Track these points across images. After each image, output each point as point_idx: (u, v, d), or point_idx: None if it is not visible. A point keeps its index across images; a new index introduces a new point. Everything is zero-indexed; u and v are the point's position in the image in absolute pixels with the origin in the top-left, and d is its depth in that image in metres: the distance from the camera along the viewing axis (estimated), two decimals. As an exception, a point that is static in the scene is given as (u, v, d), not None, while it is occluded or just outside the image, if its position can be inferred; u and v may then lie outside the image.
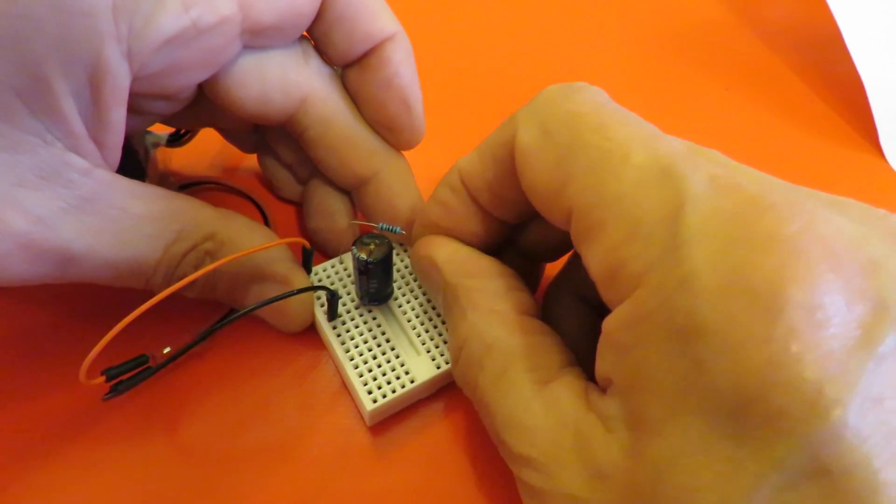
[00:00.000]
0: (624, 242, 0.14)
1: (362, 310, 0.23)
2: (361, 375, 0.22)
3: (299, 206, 0.29)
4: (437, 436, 0.22)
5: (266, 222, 0.28)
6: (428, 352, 0.22)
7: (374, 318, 0.23)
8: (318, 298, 0.23)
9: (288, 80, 0.22)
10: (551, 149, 0.17)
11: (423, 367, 0.22)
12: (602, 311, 0.16)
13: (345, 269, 0.24)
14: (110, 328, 0.18)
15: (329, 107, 0.24)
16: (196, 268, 0.21)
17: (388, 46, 0.23)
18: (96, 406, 0.22)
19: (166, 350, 0.21)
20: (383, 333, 0.23)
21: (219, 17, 0.19)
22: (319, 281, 0.24)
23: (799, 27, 0.38)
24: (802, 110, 0.34)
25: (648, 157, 0.15)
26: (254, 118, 0.23)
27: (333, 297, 0.22)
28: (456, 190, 0.20)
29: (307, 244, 0.22)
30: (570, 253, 0.23)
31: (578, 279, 0.22)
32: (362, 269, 0.21)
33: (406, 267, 0.25)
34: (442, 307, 0.21)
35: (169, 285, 0.20)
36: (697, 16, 0.39)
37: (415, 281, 0.24)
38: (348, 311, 0.23)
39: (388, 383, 0.22)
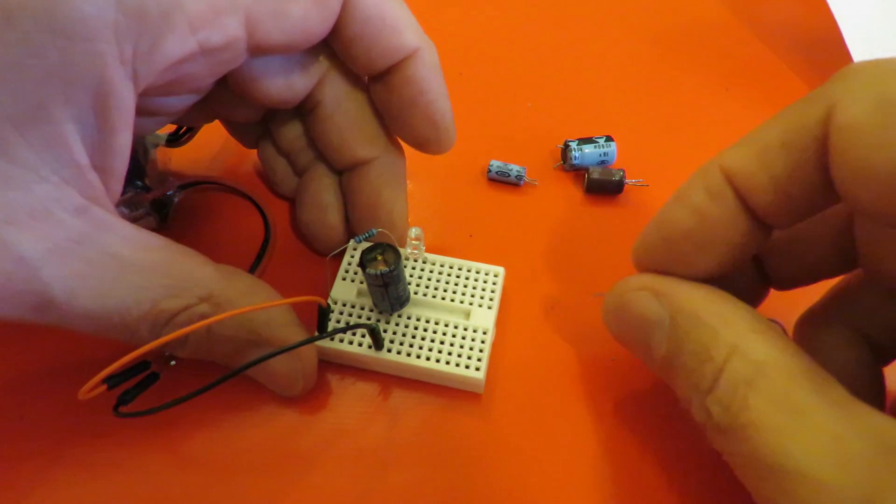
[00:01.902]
0: None
1: (391, 318, 0.23)
2: (448, 363, 0.22)
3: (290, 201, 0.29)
4: (437, 435, 0.22)
5: (266, 222, 0.28)
6: (472, 304, 0.24)
7: (409, 318, 0.23)
8: (343, 340, 0.23)
9: (309, 58, 0.22)
10: None
11: (482, 317, 0.23)
12: (883, 352, 0.15)
13: (344, 305, 0.24)
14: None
15: (345, 84, 0.23)
16: (188, 335, 0.19)
17: (410, 64, 0.22)
18: (96, 413, 0.22)
19: (167, 353, 0.21)
20: (427, 321, 0.23)
21: (225, 38, 0.19)
22: (338, 322, 0.24)
23: (799, 27, 0.38)
24: (802, 110, 0.34)
25: None
26: (275, 104, 0.23)
27: (375, 330, 0.22)
28: (717, 193, 0.17)
29: (323, 302, 0.21)
30: (843, 279, 0.21)
31: (862, 311, 0.20)
32: (387, 281, 0.21)
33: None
34: (667, 342, 0.18)
35: (151, 341, 0.19)
36: (697, 15, 0.39)
37: (416, 262, 0.25)
38: (384, 331, 0.23)
39: (471, 349, 0.23)
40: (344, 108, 0.24)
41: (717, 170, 0.17)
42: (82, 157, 0.17)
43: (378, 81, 0.23)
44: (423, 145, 0.24)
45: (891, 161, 0.13)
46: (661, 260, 0.19)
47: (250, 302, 0.20)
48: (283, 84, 0.22)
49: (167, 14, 0.17)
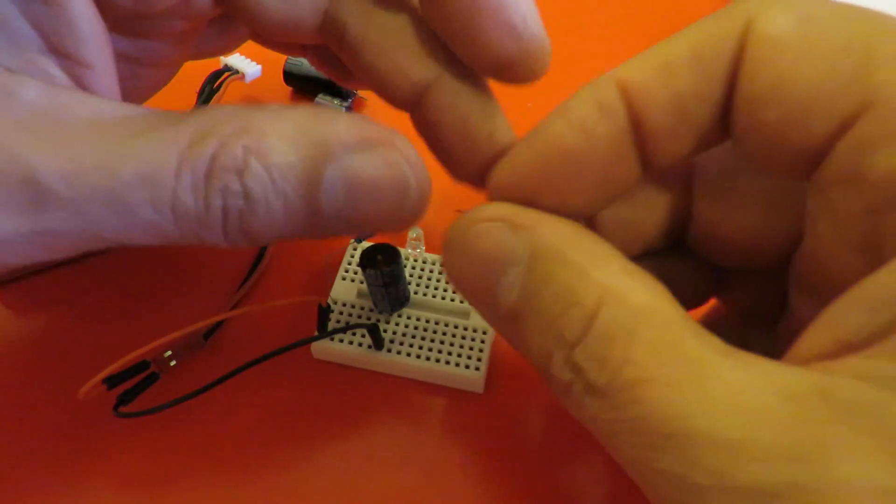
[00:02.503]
0: None
1: (391, 318, 0.23)
2: (448, 363, 0.22)
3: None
4: (437, 435, 0.22)
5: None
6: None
7: (409, 318, 0.23)
8: (342, 341, 0.23)
9: None
10: (829, 35, 0.12)
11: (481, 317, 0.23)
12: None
13: (344, 305, 0.24)
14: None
15: None
16: (241, 177, 0.14)
17: None
18: (96, 413, 0.22)
19: (168, 354, 0.21)
20: (427, 321, 0.23)
21: None
22: (338, 322, 0.24)
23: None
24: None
25: None
26: (285, 34, 0.18)
27: (375, 330, 0.22)
28: (608, 109, 0.14)
29: (323, 302, 0.21)
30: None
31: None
32: (387, 281, 0.22)
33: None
34: (522, 284, 0.14)
35: (208, 208, 0.14)
36: (697, 16, 0.38)
37: (416, 262, 0.24)
38: (384, 332, 0.23)
39: (471, 349, 0.22)
40: (378, 23, 0.18)
41: (611, 83, 0.15)
42: (30, 37, 0.14)
43: None
44: (503, 69, 0.17)
45: (812, 73, 0.12)
46: (529, 183, 0.15)
47: (292, 116, 0.15)
48: (282, 4, 0.17)
49: None
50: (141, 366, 0.20)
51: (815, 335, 0.12)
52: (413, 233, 0.24)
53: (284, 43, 0.22)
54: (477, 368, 0.22)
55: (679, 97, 0.14)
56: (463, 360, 0.22)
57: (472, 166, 0.19)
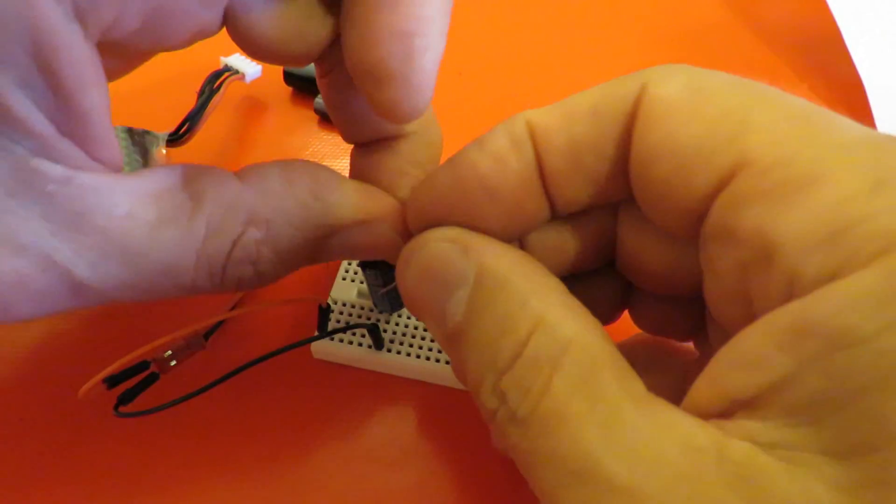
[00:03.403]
0: (862, 194, 0.11)
1: (391, 318, 0.23)
2: (448, 363, 0.22)
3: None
4: (437, 434, 0.22)
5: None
6: None
7: (408, 317, 0.23)
8: (342, 341, 0.23)
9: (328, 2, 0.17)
10: (713, 103, 0.14)
11: None
12: None
13: (345, 305, 0.24)
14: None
15: None
16: (254, 265, 0.17)
17: None
18: (96, 413, 0.22)
19: (167, 354, 0.21)
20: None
21: None
22: (338, 322, 0.24)
23: (799, 27, 0.38)
24: (802, 110, 0.34)
25: (859, 126, 0.13)
26: (287, 60, 0.18)
27: (375, 329, 0.22)
28: (518, 143, 0.15)
29: (323, 302, 0.21)
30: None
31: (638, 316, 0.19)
32: (387, 281, 0.21)
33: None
34: (467, 305, 0.15)
35: (223, 285, 0.17)
36: (697, 16, 0.39)
37: None
38: (384, 332, 0.23)
39: None
40: None
41: (522, 121, 0.15)
42: (43, 125, 0.14)
43: None
44: (376, 84, 0.16)
45: (694, 135, 0.13)
46: (445, 205, 0.16)
47: (293, 198, 0.17)
48: (292, 32, 0.17)
49: None
50: (141, 366, 0.20)
51: (703, 387, 0.13)
52: None
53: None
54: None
55: (575, 145, 0.15)
56: None
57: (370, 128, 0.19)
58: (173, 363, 0.21)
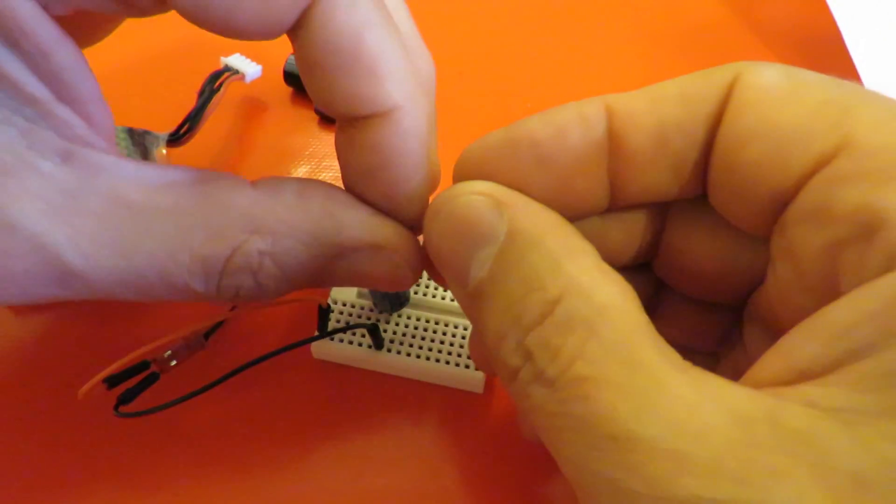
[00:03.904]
0: None
1: (391, 318, 0.23)
2: (448, 363, 0.22)
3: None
4: (437, 434, 0.22)
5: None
6: None
7: (409, 318, 0.23)
8: (342, 340, 0.23)
9: None
10: (813, 92, 0.13)
11: None
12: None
13: (345, 305, 0.24)
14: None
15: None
16: (255, 275, 0.16)
17: (380, 126, 0.16)
18: (96, 413, 0.22)
19: (167, 354, 0.21)
20: (427, 321, 0.23)
21: None
22: (338, 322, 0.24)
23: (799, 27, 0.38)
24: (802, 110, 0.34)
25: None
26: (249, 36, 0.16)
27: (375, 330, 0.22)
28: (589, 120, 0.15)
29: (324, 302, 0.21)
30: None
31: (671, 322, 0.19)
32: None
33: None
34: (494, 261, 0.14)
35: (219, 293, 0.16)
36: (697, 16, 0.39)
37: None
38: (384, 331, 0.23)
39: None
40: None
41: (599, 101, 0.15)
42: (38, 88, 0.14)
43: (342, 123, 0.17)
44: (392, 206, 0.18)
45: (794, 118, 0.13)
46: (492, 166, 0.15)
47: (305, 212, 0.16)
48: (256, 9, 0.15)
49: None
50: (141, 366, 0.20)
51: (771, 361, 0.12)
52: None
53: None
54: (477, 369, 0.22)
55: (662, 124, 0.14)
56: (463, 360, 0.22)
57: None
58: (173, 363, 0.21)
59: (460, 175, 0.16)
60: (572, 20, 0.38)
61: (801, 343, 0.12)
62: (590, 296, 0.13)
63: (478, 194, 0.15)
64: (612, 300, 0.13)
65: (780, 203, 0.14)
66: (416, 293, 0.24)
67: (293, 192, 0.17)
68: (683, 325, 0.18)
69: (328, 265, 0.17)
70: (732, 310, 0.18)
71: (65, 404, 0.22)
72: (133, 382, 0.20)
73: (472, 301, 0.15)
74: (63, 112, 0.15)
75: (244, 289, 0.16)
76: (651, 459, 0.11)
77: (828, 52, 0.35)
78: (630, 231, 0.17)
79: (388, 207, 0.18)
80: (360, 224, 0.17)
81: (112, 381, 0.19)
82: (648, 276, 0.19)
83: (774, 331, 0.14)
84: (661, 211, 0.17)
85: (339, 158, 0.18)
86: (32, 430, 0.22)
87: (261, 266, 0.16)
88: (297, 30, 0.15)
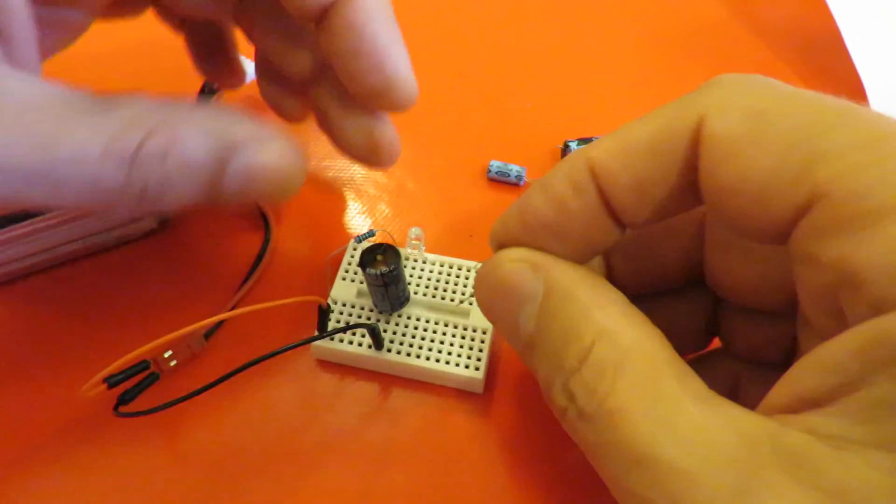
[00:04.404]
0: None
1: (391, 318, 0.23)
2: (448, 363, 0.22)
3: (300, 208, 0.29)
4: (437, 435, 0.22)
5: (266, 223, 0.28)
6: (472, 304, 0.23)
7: (408, 318, 0.23)
8: (342, 340, 0.23)
9: None
10: (776, 133, 0.14)
11: (481, 317, 0.23)
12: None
13: (344, 305, 0.24)
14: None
15: None
16: (162, 164, 0.17)
17: (348, 5, 0.20)
18: (96, 413, 0.22)
19: (168, 354, 0.21)
20: (427, 321, 0.23)
21: None
22: (338, 322, 0.24)
23: (799, 27, 0.38)
24: (802, 110, 0.34)
25: None
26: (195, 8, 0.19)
27: (375, 330, 0.22)
28: (581, 188, 0.16)
29: (324, 302, 0.21)
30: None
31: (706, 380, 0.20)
32: (387, 281, 0.22)
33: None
34: (538, 317, 0.17)
35: (129, 185, 0.16)
36: (697, 16, 0.39)
37: (416, 262, 0.25)
38: (384, 332, 0.23)
39: (471, 349, 0.23)
40: (280, 14, 0.21)
41: (583, 163, 0.16)
42: None
43: (319, 27, 0.21)
44: (378, 99, 0.21)
45: (763, 169, 0.14)
46: (520, 239, 0.18)
47: (208, 111, 0.18)
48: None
49: None
50: (141, 366, 0.20)
51: (780, 390, 0.14)
52: (413, 232, 0.24)
53: (181, 15, 0.24)
54: (477, 369, 0.22)
55: (639, 182, 0.16)
56: (462, 361, 0.23)
57: (368, 82, 0.21)
58: (173, 363, 0.21)
59: (496, 245, 0.18)
60: (572, 20, 0.38)
61: (803, 375, 0.13)
62: (617, 340, 0.15)
63: (516, 261, 0.17)
64: (636, 342, 0.15)
65: (780, 237, 0.14)
66: (415, 293, 0.24)
67: (190, 104, 0.18)
68: (746, 338, 0.20)
69: (227, 158, 0.17)
70: (792, 318, 0.18)
71: (65, 404, 0.22)
72: (133, 382, 0.20)
73: (526, 351, 0.17)
74: None
75: (151, 183, 0.17)
76: (669, 477, 0.13)
77: (828, 52, 0.35)
78: (672, 253, 0.19)
79: (378, 79, 0.20)
80: (249, 121, 0.18)
81: (112, 381, 0.19)
82: (705, 291, 0.20)
83: (822, 338, 0.14)
84: (697, 226, 0.19)
85: (330, 61, 0.21)
86: (33, 430, 0.22)
87: (168, 153, 0.17)
88: None
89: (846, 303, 0.13)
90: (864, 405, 0.12)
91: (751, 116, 0.14)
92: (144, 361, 0.20)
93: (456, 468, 0.22)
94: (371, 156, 0.24)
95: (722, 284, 0.19)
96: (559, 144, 0.31)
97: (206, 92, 0.28)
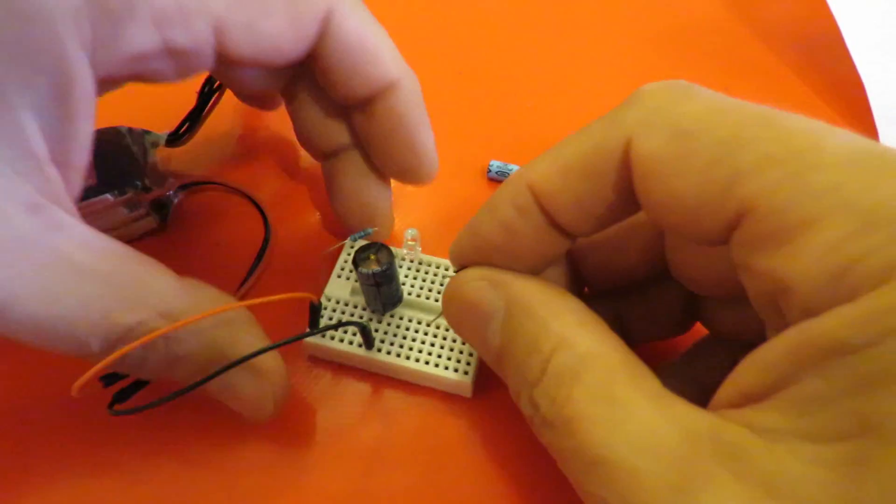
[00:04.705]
0: (855, 236, 0.12)
1: (384, 318, 0.23)
2: (437, 366, 0.22)
3: (300, 208, 0.29)
4: (427, 436, 0.22)
5: (266, 222, 0.28)
6: None
7: (401, 318, 0.23)
8: (333, 338, 0.23)
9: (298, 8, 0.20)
10: (699, 151, 0.14)
11: None
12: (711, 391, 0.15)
13: (338, 303, 0.24)
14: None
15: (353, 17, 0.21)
16: (146, 350, 0.18)
17: (391, 94, 0.22)
18: (94, 412, 0.22)
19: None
20: (419, 322, 0.23)
21: (192, 41, 0.18)
22: (330, 319, 0.24)
23: (799, 27, 0.38)
24: (802, 110, 0.33)
25: (844, 143, 0.13)
26: (252, 94, 0.23)
27: (366, 329, 0.22)
28: (525, 209, 0.17)
29: (315, 299, 0.21)
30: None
31: (704, 366, 0.21)
32: (379, 281, 0.22)
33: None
34: (501, 332, 0.18)
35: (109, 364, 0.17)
36: (697, 15, 0.39)
37: (412, 262, 0.24)
38: (375, 330, 0.23)
39: (461, 353, 0.22)
40: (321, 99, 0.23)
41: (524, 185, 0.17)
42: (40, 148, 0.16)
43: (358, 110, 0.23)
44: (404, 175, 0.24)
45: (690, 187, 0.14)
46: (476, 261, 0.19)
47: (211, 321, 0.19)
48: (259, 80, 0.22)
49: (131, 4, 0.17)
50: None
51: (727, 386, 0.14)
52: (409, 234, 0.24)
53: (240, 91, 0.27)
54: (466, 373, 0.22)
55: (578, 201, 0.17)
56: (452, 364, 0.22)
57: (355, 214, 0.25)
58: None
59: (457, 264, 0.20)
60: (572, 20, 0.38)
61: (745, 372, 0.14)
62: (573, 348, 0.16)
63: (476, 280, 0.18)
64: (592, 348, 0.16)
65: (719, 242, 0.15)
66: (409, 294, 0.24)
67: (209, 297, 0.20)
68: (724, 322, 0.20)
69: (209, 369, 0.18)
70: None
71: (64, 404, 0.22)
72: (130, 381, 0.20)
73: (496, 365, 0.18)
74: (50, 172, 0.17)
75: (130, 358, 0.18)
76: (619, 477, 0.14)
77: (828, 52, 0.35)
78: (635, 250, 0.20)
79: (410, 159, 0.23)
80: (251, 345, 0.19)
81: (108, 380, 0.19)
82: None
83: (777, 331, 0.15)
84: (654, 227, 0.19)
85: (363, 140, 0.24)
86: (32, 430, 0.22)
87: (154, 344, 0.18)
88: (317, 42, 0.21)
89: (783, 307, 0.14)
90: (794, 400, 0.13)
91: (674, 136, 0.15)
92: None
93: (446, 471, 0.22)
94: (365, 224, 0.25)
95: (684, 277, 0.19)
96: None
97: (207, 91, 0.28)
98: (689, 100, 0.15)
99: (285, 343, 0.20)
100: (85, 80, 0.17)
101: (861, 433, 0.12)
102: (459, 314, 0.19)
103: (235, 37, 0.19)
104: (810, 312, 0.13)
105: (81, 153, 0.17)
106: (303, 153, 0.31)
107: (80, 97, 0.16)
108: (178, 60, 0.19)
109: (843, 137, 0.14)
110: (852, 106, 0.34)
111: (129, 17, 0.17)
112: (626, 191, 0.16)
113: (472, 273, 0.19)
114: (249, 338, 0.20)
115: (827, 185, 0.13)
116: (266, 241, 0.27)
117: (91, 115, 0.17)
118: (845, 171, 0.13)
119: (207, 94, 0.28)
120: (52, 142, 0.17)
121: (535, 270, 0.19)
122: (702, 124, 0.14)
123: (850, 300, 0.12)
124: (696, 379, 0.20)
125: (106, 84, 0.18)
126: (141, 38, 0.17)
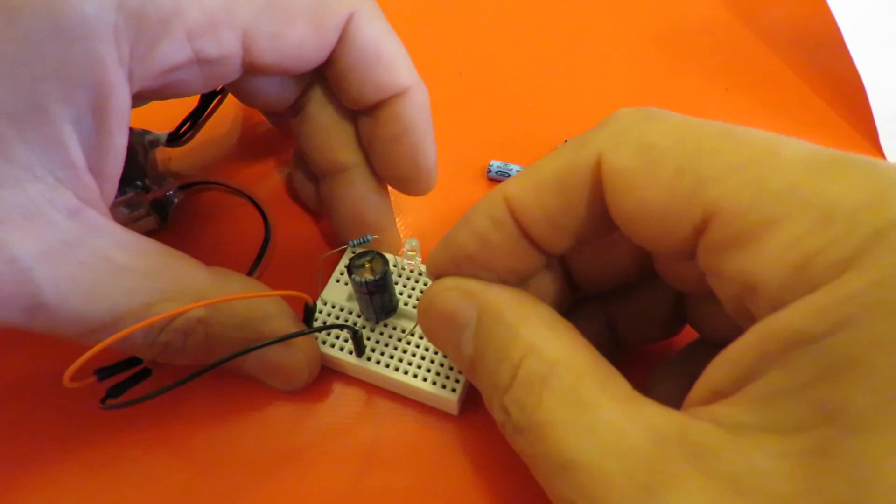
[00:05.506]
0: (813, 232, 0.13)
1: (377, 328, 0.23)
2: (426, 380, 0.22)
3: (300, 207, 0.29)
4: (415, 449, 0.22)
5: (266, 222, 0.28)
6: None
7: (393, 328, 0.23)
8: (325, 342, 0.23)
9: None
10: (664, 163, 0.15)
11: None
12: None
13: (333, 307, 0.24)
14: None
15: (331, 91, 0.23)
16: (186, 336, 0.20)
17: (400, 101, 0.22)
18: (92, 409, 0.22)
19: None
20: (412, 335, 0.23)
21: (221, 51, 0.19)
22: (324, 323, 0.24)
23: (799, 27, 0.38)
24: (802, 110, 0.34)
25: (799, 150, 0.14)
26: (267, 107, 0.23)
27: (357, 335, 0.22)
28: (499, 222, 0.18)
29: (310, 300, 0.22)
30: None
31: (699, 366, 0.21)
32: (372, 290, 0.21)
33: (395, 266, 0.25)
34: (473, 340, 0.18)
35: (153, 353, 0.19)
36: (697, 16, 0.39)
37: (412, 273, 0.24)
38: (367, 339, 0.23)
39: (451, 368, 0.22)
40: (329, 111, 0.24)
41: (500, 198, 0.17)
42: (79, 158, 0.17)
43: (365, 114, 0.23)
44: (402, 183, 0.24)
45: (658, 196, 0.15)
46: (453, 270, 0.19)
47: (243, 303, 0.20)
48: (275, 90, 0.23)
49: (166, 20, 0.18)
50: (133, 360, 0.20)
51: (699, 384, 0.15)
52: (409, 244, 0.24)
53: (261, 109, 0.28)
54: (453, 389, 0.22)
55: (550, 215, 0.17)
56: (441, 380, 0.22)
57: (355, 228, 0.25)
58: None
59: (433, 274, 0.20)
60: (572, 20, 0.38)
61: (715, 369, 0.14)
62: (542, 355, 0.16)
63: (450, 290, 0.19)
64: (561, 354, 0.16)
65: (687, 256, 0.15)
66: (405, 304, 0.24)
67: (239, 282, 0.21)
68: (710, 323, 0.21)
69: (245, 349, 0.20)
70: None
71: (64, 404, 0.22)
72: (125, 376, 0.20)
73: (470, 373, 0.19)
74: (87, 180, 0.18)
75: (172, 347, 0.20)
76: (589, 480, 0.14)
77: (828, 52, 0.35)
78: (622, 254, 0.20)
79: (410, 168, 0.23)
80: (282, 320, 0.21)
81: (103, 374, 0.19)
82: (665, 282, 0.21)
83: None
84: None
85: (366, 145, 0.24)
86: (32, 430, 0.22)
87: (193, 331, 0.20)
88: (334, 51, 0.21)
89: (752, 307, 0.14)
90: (759, 393, 0.13)
91: (641, 150, 0.15)
92: (137, 357, 0.20)
93: (433, 482, 0.22)
94: (360, 231, 0.26)
95: (670, 279, 0.20)
96: (559, 144, 0.31)
97: (209, 93, 0.28)
98: (656, 120, 0.16)
99: (275, 342, 0.20)
100: (121, 96, 0.17)
101: (823, 422, 0.12)
102: (433, 324, 0.20)
103: (261, 45, 0.20)
104: (776, 308, 0.13)
105: (115, 164, 0.19)
106: (303, 153, 0.31)
107: (116, 111, 0.18)
108: (206, 71, 0.19)
109: (799, 145, 0.14)
110: (852, 106, 0.34)
111: (164, 32, 0.18)
112: (598, 208, 0.16)
113: (446, 283, 0.19)
114: (279, 311, 0.22)
115: (785, 187, 0.13)
116: (266, 241, 0.27)
117: (125, 128, 0.18)
118: (801, 173, 0.14)
119: (210, 96, 0.28)
120: (88, 152, 0.18)
121: (514, 282, 0.19)
122: (667, 139, 0.15)
123: (811, 292, 0.13)
124: (692, 379, 0.20)
125: (138, 98, 0.19)
126: (174, 51, 0.18)
